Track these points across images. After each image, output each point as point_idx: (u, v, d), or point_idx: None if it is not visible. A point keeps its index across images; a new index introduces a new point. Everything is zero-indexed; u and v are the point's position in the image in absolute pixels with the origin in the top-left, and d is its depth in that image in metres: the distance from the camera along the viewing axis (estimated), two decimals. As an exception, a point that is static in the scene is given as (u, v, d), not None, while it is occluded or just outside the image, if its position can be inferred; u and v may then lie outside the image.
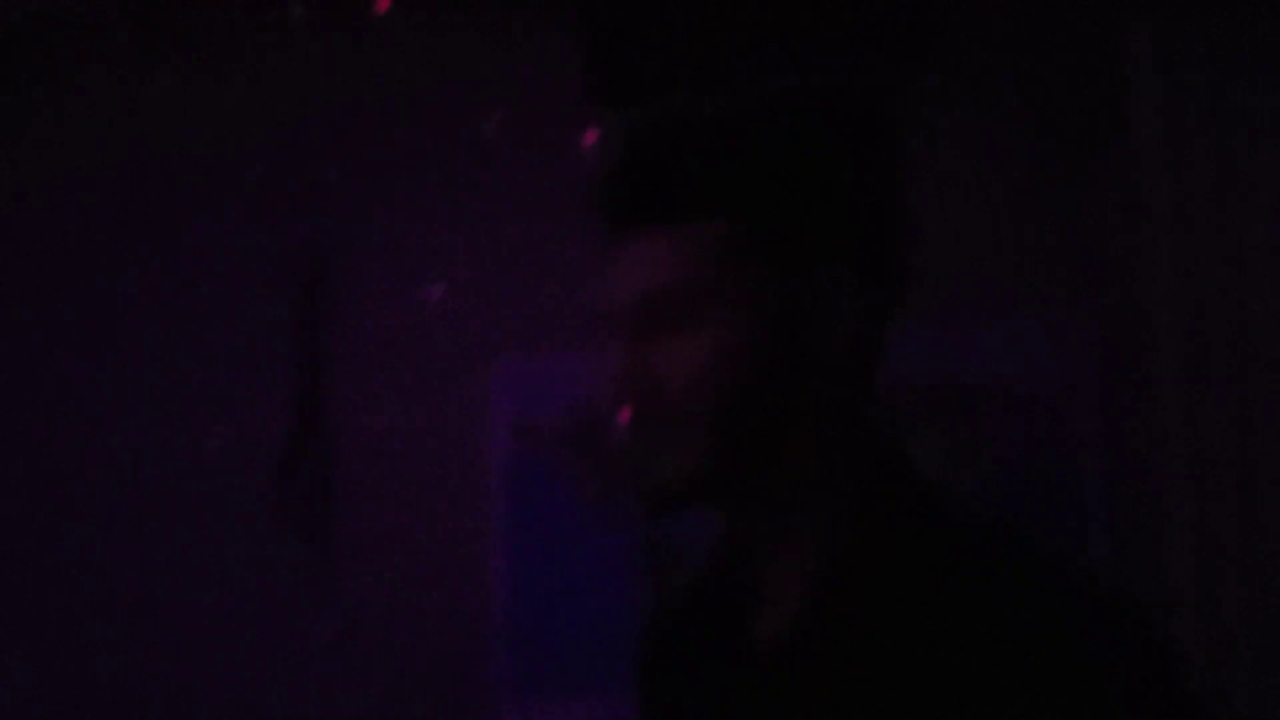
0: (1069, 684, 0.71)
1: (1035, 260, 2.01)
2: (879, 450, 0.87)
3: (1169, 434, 1.89)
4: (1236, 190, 1.88)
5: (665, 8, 2.25)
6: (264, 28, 2.60)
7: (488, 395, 2.39)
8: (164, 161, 2.70)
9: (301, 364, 2.52)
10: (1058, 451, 1.92)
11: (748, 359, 0.83)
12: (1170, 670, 0.78)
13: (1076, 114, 2.01)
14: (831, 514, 0.85)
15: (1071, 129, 2.01)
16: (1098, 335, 1.95)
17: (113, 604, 2.61)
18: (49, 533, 2.67)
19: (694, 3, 2.21)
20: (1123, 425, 1.92)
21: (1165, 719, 0.75)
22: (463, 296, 2.43)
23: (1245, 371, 1.87)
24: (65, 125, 2.79)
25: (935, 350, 1.96)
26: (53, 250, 2.75)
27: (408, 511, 2.43)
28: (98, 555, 2.63)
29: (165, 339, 2.65)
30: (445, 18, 2.49)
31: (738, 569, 0.92)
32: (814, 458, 0.85)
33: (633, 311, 0.85)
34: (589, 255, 2.24)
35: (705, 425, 0.83)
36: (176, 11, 2.71)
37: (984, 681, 0.73)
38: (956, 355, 1.97)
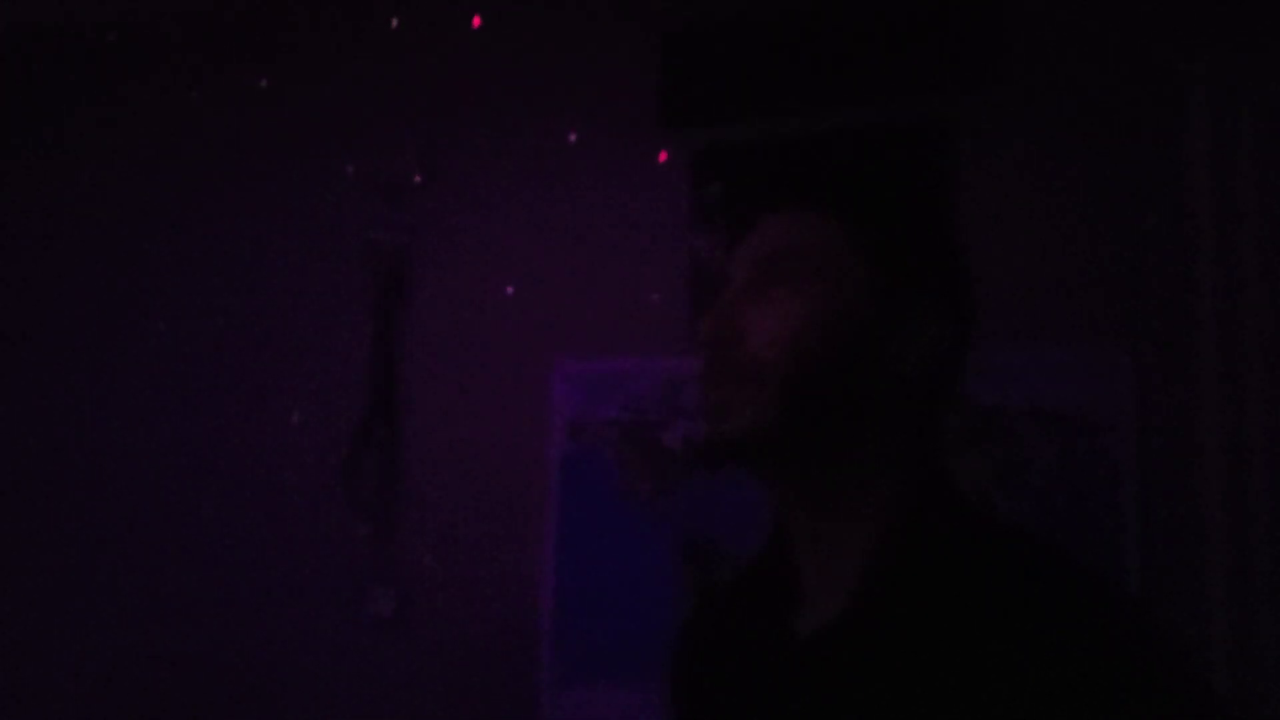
0: (1090, 688, 0.74)
1: (1075, 285, 2.02)
2: (930, 465, 0.91)
3: (1205, 455, 1.90)
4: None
5: (736, 43, 2.30)
6: (364, 37, 2.74)
7: (547, 393, 2.41)
8: (263, 157, 2.81)
9: (378, 352, 2.57)
10: (1096, 473, 1.94)
11: (829, 335, 0.89)
12: (1188, 678, 0.80)
13: (1123, 143, 2.02)
14: (878, 520, 0.88)
15: (1118, 157, 2.02)
16: (1136, 358, 1.95)
17: (189, 566, 2.72)
18: (138, 500, 2.82)
19: (762, 38, 2.26)
20: (1158, 447, 1.93)
21: None
22: (529, 298, 2.49)
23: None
24: (170, 125, 2.94)
25: (976, 373, 2.02)
26: (162, 239, 2.92)
27: (467, 498, 2.47)
28: (181, 517, 2.75)
29: (258, 321, 2.76)
30: (532, 37, 2.57)
31: (781, 566, 0.96)
32: (871, 462, 0.90)
33: (746, 272, 0.94)
34: (649, 264, 2.31)
35: (777, 383, 0.89)
36: (280, 19, 2.83)
37: (1010, 687, 0.76)
38: (997, 378, 1.99)
